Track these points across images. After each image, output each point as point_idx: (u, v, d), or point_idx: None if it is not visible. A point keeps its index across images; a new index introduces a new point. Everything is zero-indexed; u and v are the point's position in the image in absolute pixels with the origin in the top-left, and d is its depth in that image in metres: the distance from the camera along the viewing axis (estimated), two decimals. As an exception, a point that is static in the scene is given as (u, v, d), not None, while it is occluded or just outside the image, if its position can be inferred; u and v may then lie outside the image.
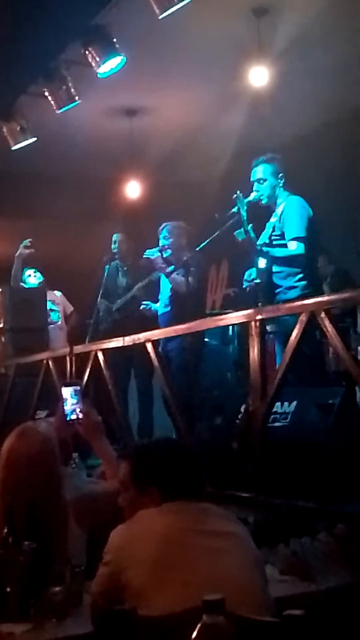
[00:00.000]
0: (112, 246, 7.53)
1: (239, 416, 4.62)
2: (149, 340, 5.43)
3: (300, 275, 5.36)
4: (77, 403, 3.50)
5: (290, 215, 5.44)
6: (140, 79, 6.80)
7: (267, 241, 5.50)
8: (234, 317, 4.92)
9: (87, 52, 5.88)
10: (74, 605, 2.66)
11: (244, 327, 4.78)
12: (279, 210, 5.52)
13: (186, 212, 7.26)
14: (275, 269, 5.45)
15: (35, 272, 8.55)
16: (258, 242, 5.47)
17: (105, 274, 7.41)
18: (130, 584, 2.33)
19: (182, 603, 2.05)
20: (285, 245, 5.40)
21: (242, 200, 5.48)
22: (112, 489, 3.10)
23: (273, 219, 5.55)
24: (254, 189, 5.62)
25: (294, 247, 5.34)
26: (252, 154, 5.83)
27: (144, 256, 6.75)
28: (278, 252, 5.42)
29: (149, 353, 5.44)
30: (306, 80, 7.06)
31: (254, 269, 5.46)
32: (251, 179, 5.63)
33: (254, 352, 4.42)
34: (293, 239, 5.35)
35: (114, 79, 6.07)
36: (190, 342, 5.93)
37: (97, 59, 5.83)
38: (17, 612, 2.59)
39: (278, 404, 4.48)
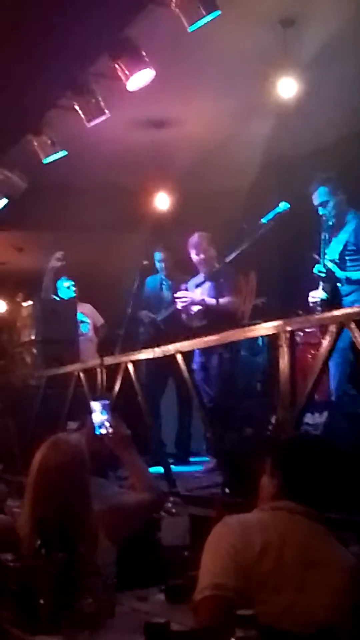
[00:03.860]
0: (159, 265, 7.61)
1: (269, 427, 4.61)
2: (178, 352, 5.43)
3: None
4: (106, 417, 3.54)
5: None
6: (167, 90, 6.82)
7: (337, 257, 5.51)
8: (264, 328, 4.92)
9: (116, 66, 5.91)
10: (106, 617, 2.66)
11: (273, 337, 4.78)
12: (349, 227, 5.53)
13: (213, 222, 7.27)
14: (346, 288, 5.48)
15: (71, 284, 8.61)
16: (327, 258, 5.47)
17: (146, 286, 7.50)
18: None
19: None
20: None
21: (327, 225, 5.49)
22: (142, 501, 3.12)
23: (343, 235, 5.55)
24: (319, 212, 5.62)
25: None
26: (280, 163, 5.83)
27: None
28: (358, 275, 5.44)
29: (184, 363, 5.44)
30: (333, 89, 7.05)
31: (320, 291, 5.48)
32: (314, 204, 5.64)
33: (284, 363, 4.40)
34: None
35: (141, 91, 6.10)
36: (227, 353, 5.97)
37: (127, 73, 5.86)
38: (49, 624, 2.60)
39: (309, 414, 4.46)
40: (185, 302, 6.70)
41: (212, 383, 6.28)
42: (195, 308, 6.65)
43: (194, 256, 6.80)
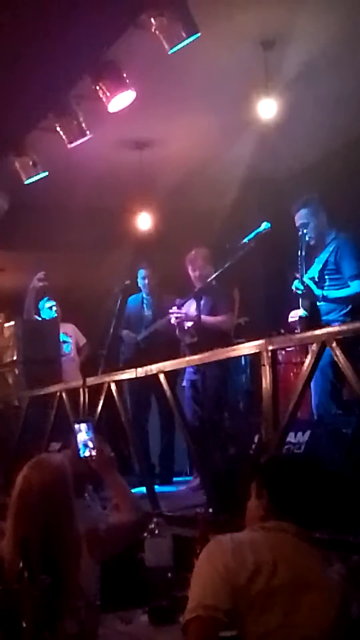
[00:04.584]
0: (142, 282, 7.61)
1: (252, 446, 4.62)
2: (161, 372, 5.43)
3: (348, 309, 5.42)
4: (90, 438, 3.55)
5: (347, 253, 5.51)
6: (149, 111, 6.86)
7: (317, 276, 5.55)
8: (246, 347, 4.93)
9: (97, 87, 5.93)
10: (89, 638, 2.65)
11: (255, 357, 4.79)
12: (330, 247, 5.58)
13: (196, 241, 7.29)
14: (325, 307, 5.50)
15: (53, 304, 8.61)
16: (307, 276, 5.51)
17: (127, 305, 7.50)
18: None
19: None
20: (340, 280, 5.45)
21: (304, 241, 5.54)
22: (126, 522, 3.11)
23: (324, 254, 5.60)
24: (300, 232, 5.66)
25: (357, 286, 5.41)
26: (262, 183, 5.87)
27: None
28: (341, 293, 5.47)
29: (167, 383, 5.44)
30: (314, 109, 7.12)
31: (301, 310, 5.52)
32: (296, 225, 5.68)
33: (267, 382, 4.41)
34: (354, 277, 5.42)
35: (123, 111, 6.12)
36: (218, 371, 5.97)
37: (108, 94, 5.88)
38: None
39: (292, 434, 4.47)
40: (179, 317, 6.68)
41: (202, 401, 6.26)
42: (189, 324, 6.62)
43: (190, 272, 6.80)
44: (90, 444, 3.54)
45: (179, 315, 6.68)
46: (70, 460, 3.41)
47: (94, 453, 3.52)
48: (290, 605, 2.32)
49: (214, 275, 6.28)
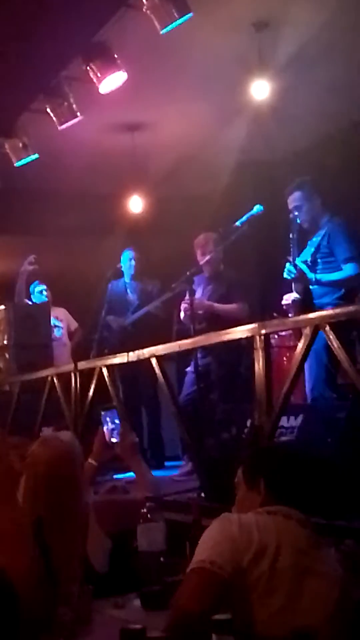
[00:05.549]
0: (128, 263, 7.54)
1: (245, 431, 4.61)
2: (153, 356, 5.40)
3: (341, 292, 5.41)
4: (115, 426, 3.85)
5: (340, 236, 5.48)
6: (141, 94, 6.81)
7: (310, 259, 5.53)
8: (239, 331, 4.90)
9: (88, 69, 5.88)
10: (82, 625, 2.63)
11: (249, 341, 4.77)
12: (323, 230, 5.55)
13: (189, 225, 7.25)
14: (318, 290, 5.48)
15: (44, 289, 8.57)
16: (299, 260, 5.49)
17: (109, 290, 7.41)
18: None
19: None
20: (333, 263, 5.43)
21: (296, 224, 5.52)
22: (140, 499, 3.18)
23: (316, 238, 5.57)
24: (292, 215, 5.63)
25: (350, 269, 5.38)
26: (255, 167, 5.84)
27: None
28: (334, 276, 5.44)
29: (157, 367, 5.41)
30: (307, 94, 7.08)
31: (293, 293, 5.50)
32: (289, 208, 5.65)
33: (259, 366, 4.40)
34: (348, 260, 5.39)
35: (115, 94, 6.08)
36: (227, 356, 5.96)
37: (99, 75, 5.84)
38: (24, 633, 2.56)
39: (284, 418, 4.45)
40: (187, 307, 6.54)
41: (207, 387, 6.21)
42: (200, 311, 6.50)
43: (199, 257, 6.68)
44: (116, 431, 3.83)
45: (186, 304, 6.54)
46: (96, 451, 3.75)
47: (118, 439, 3.80)
48: (292, 590, 2.30)
49: (205, 259, 6.24)
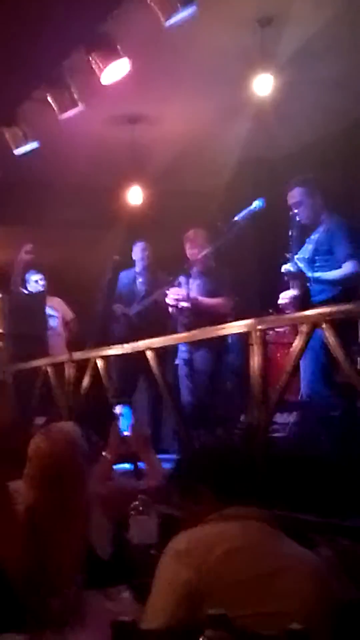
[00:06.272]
0: (140, 254, 7.56)
1: (239, 426, 4.61)
2: (149, 348, 5.40)
3: (339, 291, 5.40)
4: (129, 419, 4.03)
5: (340, 234, 5.48)
6: (143, 86, 6.77)
7: (308, 256, 5.52)
8: (235, 327, 4.90)
9: (90, 59, 5.86)
10: (73, 615, 2.62)
11: (244, 336, 4.76)
12: (322, 227, 5.54)
13: (189, 220, 7.24)
14: (316, 288, 5.48)
15: (41, 279, 8.55)
16: (298, 257, 5.48)
17: (119, 280, 7.46)
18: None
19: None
20: (332, 261, 5.43)
21: (296, 221, 5.51)
22: (152, 486, 3.22)
23: (315, 235, 5.56)
24: (292, 212, 5.63)
25: (350, 267, 5.36)
26: (257, 164, 5.83)
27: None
28: (332, 275, 5.43)
29: (159, 360, 5.41)
30: (311, 90, 7.05)
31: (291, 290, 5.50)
32: (288, 203, 5.64)
33: (255, 362, 4.39)
34: (347, 258, 5.38)
35: (117, 86, 6.05)
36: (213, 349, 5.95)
37: (101, 66, 5.81)
38: (17, 622, 2.55)
39: (279, 414, 4.46)
40: (177, 298, 6.58)
41: (195, 379, 6.22)
42: (185, 304, 6.53)
43: (188, 251, 6.72)
44: (129, 425, 3.99)
45: (177, 296, 6.57)
46: (111, 445, 3.82)
47: (131, 432, 3.94)
48: (265, 594, 2.22)
49: (204, 252, 6.23)
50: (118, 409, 4.09)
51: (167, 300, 6.60)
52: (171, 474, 2.83)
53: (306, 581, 2.28)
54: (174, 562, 2.29)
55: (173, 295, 6.56)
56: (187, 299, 6.43)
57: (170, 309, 6.61)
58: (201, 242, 6.63)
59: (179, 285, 6.63)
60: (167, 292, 6.63)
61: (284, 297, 5.56)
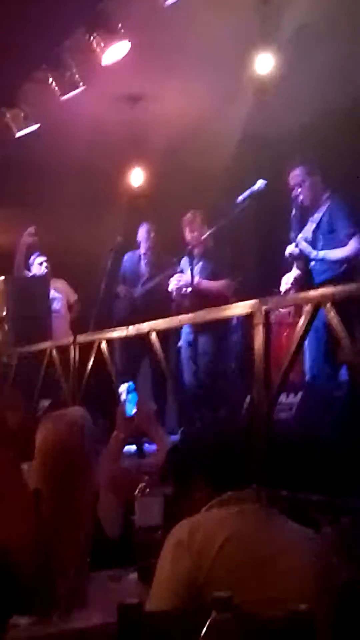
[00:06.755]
0: (145, 236, 7.57)
1: (244, 407, 4.61)
2: (153, 330, 5.40)
3: (343, 269, 5.39)
4: (133, 398, 3.98)
5: (341, 212, 5.46)
6: (144, 66, 6.74)
7: (311, 236, 5.51)
8: (239, 307, 4.89)
9: (91, 38, 5.83)
10: (79, 597, 2.64)
11: (248, 317, 4.75)
12: (324, 207, 5.52)
13: (191, 200, 7.22)
14: (319, 267, 5.47)
15: (44, 260, 8.54)
16: (301, 237, 5.47)
17: (124, 262, 7.43)
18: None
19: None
20: (335, 240, 5.41)
21: (297, 201, 5.49)
22: (151, 464, 3.23)
23: (318, 214, 5.54)
24: (293, 193, 5.61)
25: (354, 244, 5.35)
26: (258, 143, 5.80)
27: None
28: (336, 254, 5.41)
29: (162, 342, 5.40)
30: (312, 69, 6.99)
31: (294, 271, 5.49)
32: (290, 184, 5.62)
33: (259, 343, 4.39)
34: (350, 236, 5.36)
35: (117, 67, 6.02)
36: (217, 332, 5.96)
37: (102, 45, 5.78)
38: (23, 604, 2.57)
39: (283, 394, 4.46)
40: (179, 283, 6.55)
41: (199, 362, 6.22)
42: (188, 289, 6.51)
43: (187, 234, 6.69)
44: (133, 403, 3.94)
45: (179, 283, 6.54)
46: (119, 425, 3.77)
47: (136, 411, 3.89)
48: (264, 578, 2.22)
49: (207, 233, 6.21)
50: (123, 389, 4.07)
51: (169, 288, 6.58)
52: (166, 460, 2.81)
53: (307, 562, 2.29)
54: (176, 551, 2.30)
55: (175, 284, 6.53)
56: (191, 284, 6.41)
57: (173, 294, 6.59)
58: (200, 224, 6.61)
59: (182, 271, 6.61)
60: (172, 277, 6.58)
61: (286, 283, 5.56)
